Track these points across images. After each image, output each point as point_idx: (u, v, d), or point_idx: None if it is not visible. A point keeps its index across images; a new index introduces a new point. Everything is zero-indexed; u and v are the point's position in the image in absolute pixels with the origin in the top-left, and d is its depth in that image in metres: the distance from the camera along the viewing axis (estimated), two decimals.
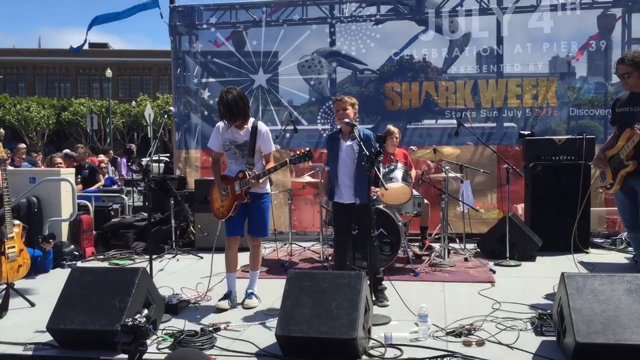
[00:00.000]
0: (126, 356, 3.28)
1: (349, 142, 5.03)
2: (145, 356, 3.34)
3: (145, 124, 33.46)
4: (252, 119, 5.07)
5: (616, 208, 7.69)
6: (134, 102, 41.89)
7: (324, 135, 8.87)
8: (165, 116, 5.93)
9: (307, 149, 4.95)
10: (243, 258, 5.49)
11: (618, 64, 5.08)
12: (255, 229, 5.07)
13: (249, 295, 5.04)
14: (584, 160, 7.10)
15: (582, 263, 6.46)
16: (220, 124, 5.05)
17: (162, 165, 15.26)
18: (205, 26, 9.30)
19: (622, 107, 5.11)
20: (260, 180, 4.91)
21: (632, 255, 6.61)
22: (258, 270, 5.21)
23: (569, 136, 7.45)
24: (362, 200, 4.88)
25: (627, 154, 4.94)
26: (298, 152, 4.90)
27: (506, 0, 8.32)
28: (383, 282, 5.10)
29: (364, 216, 4.83)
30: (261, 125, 5.04)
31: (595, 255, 6.91)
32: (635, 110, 4.94)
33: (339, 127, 5.22)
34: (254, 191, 4.95)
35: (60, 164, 8.88)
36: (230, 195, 4.93)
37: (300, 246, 7.40)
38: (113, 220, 8.21)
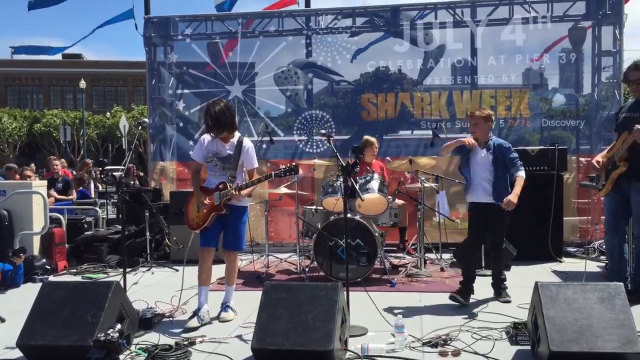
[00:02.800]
0: None
1: (484, 151, 5.34)
2: None
3: (119, 135, 33.14)
4: (238, 134, 5.06)
5: (588, 217, 7.91)
6: (108, 114, 41.47)
7: (301, 146, 8.87)
8: (140, 127, 5.86)
9: (293, 163, 4.99)
10: (219, 270, 5.45)
11: (632, 70, 5.22)
12: (230, 243, 5.01)
13: (224, 308, 4.98)
14: (556, 170, 7.21)
15: (555, 272, 6.55)
16: (206, 136, 5.02)
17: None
18: (180, 37, 9.26)
19: (625, 114, 5.31)
20: (243, 192, 4.89)
21: (604, 264, 6.71)
22: (234, 285, 5.16)
23: (542, 147, 7.55)
24: (497, 201, 5.20)
25: (621, 156, 5.11)
26: (283, 166, 4.90)
27: (479, 13, 8.45)
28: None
29: (498, 220, 5.28)
30: (246, 141, 5.03)
31: (568, 264, 7.00)
32: (636, 116, 5.10)
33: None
34: (233, 204, 4.91)
35: (31, 176, 8.74)
36: (209, 206, 4.89)
37: (277, 258, 7.36)
38: (86, 233, 8.08)
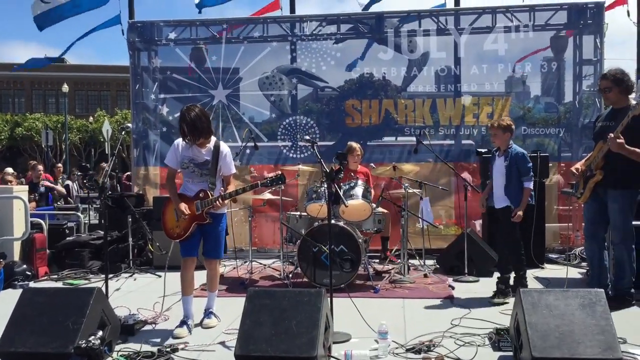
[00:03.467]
0: None
1: (502, 159, 5.69)
2: None
3: (102, 140, 32.84)
4: (214, 138, 4.97)
5: (570, 224, 7.99)
6: (91, 118, 41.06)
7: (284, 151, 8.87)
8: (123, 132, 5.81)
9: (279, 172, 4.90)
10: (201, 276, 5.42)
11: (601, 79, 5.39)
12: (211, 251, 4.95)
13: (207, 314, 4.95)
14: (538, 177, 7.27)
15: (537, 278, 6.60)
16: (180, 141, 4.91)
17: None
18: (164, 42, 9.22)
19: (602, 122, 5.41)
20: (226, 202, 4.84)
21: (585, 271, 6.78)
22: (216, 291, 5.12)
23: None
24: (514, 204, 5.54)
25: (597, 164, 5.19)
26: (270, 175, 4.86)
27: (463, 21, 8.53)
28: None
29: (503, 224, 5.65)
30: (223, 146, 4.94)
31: (550, 271, 7.06)
32: (611, 125, 5.17)
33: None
34: (212, 211, 4.82)
35: (12, 181, 8.64)
36: (190, 216, 4.80)
37: (261, 264, 7.34)
38: (68, 238, 7.99)
